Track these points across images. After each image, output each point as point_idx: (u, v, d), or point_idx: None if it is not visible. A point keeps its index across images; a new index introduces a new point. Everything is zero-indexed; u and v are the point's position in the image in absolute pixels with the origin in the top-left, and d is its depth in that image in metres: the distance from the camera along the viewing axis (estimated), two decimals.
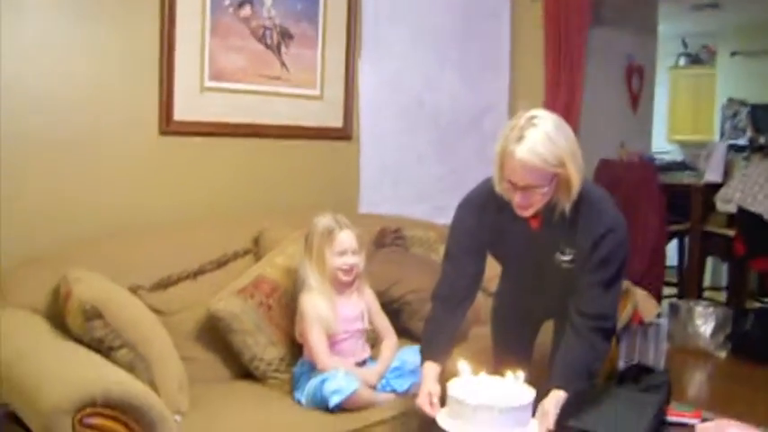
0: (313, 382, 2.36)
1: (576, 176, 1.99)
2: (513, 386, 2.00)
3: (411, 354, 2.47)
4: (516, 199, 2.04)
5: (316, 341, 2.44)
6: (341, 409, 2.29)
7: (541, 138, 1.94)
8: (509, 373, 2.03)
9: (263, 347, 2.53)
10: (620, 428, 2.03)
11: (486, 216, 2.20)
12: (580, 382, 2.12)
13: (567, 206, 2.05)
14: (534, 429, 1.93)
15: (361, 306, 2.60)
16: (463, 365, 2.05)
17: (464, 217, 2.25)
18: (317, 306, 2.46)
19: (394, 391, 2.46)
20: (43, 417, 1.72)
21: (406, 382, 2.46)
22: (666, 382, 2.79)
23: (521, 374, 2.04)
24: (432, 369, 2.20)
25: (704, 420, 2.17)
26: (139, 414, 1.80)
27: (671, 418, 2.25)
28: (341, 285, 2.54)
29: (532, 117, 1.98)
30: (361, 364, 2.54)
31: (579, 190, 2.02)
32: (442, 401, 2.06)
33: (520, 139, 1.94)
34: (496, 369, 2.54)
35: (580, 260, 2.14)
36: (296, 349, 2.57)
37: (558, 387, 2.08)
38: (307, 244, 2.54)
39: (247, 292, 2.57)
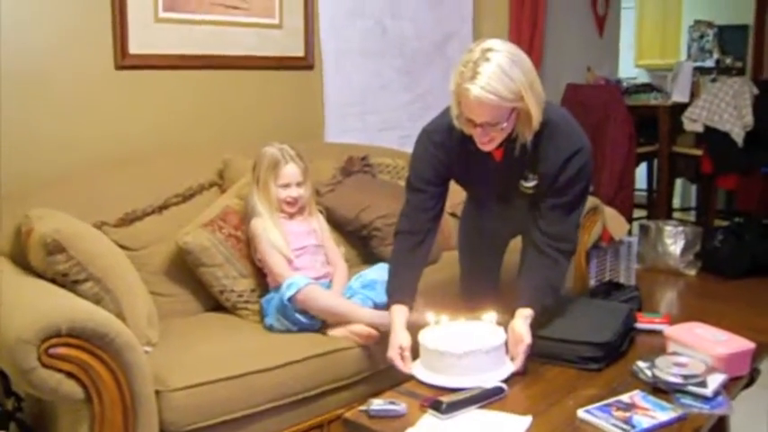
0: (277, 299, 2.37)
1: (536, 108, 1.95)
2: (483, 328, 2.02)
3: (381, 271, 2.47)
4: (477, 136, 2.00)
5: (275, 261, 2.47)
6: (298, 310, 2.32)
7: (496, 73, 1.87)
8: (483, 316, 2.05)
9: (233, 280, 2.52)
10: (590, 334, 2.05)
11: (446, 148, 2.16)
12: (545, 298, 2.12)
13: (529, 137, 2.02)
14: (510, 368, 1.95)
15: (312, 224, 2.64)
16: (430, 317, 2.07)
17: (424, 149, 2.20)
18: (265, 230, 2.49)
19: (375, 305, 2.43)
20: (8, 349, 1.70)
21: (382, 294, 2.40)
22: (637, 296, 2.83)
23: (492, 315, 2.05)
24: (400, 314, 2.17)
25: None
26: (106, 342, 1.78)
27: (641, 325, 2.28)
28: (288, 214, 2.58)
29: (487, 50, 1.90)
30: (320, 279, 2.52)
31: (540, 119, 1.98)
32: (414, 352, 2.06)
33: (474, 75, 1.87)
34: (464, 295, 2.56)
35: (544, 184, 2.12)
36: (265, 280, 2.56)
37: (524, 306, 2.07)
38: (254, 173, 2.58)
39: (215, 225, 2.54)
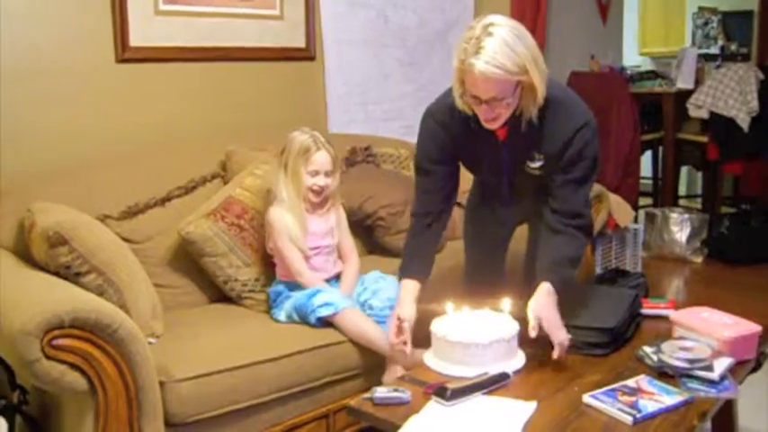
0: (297, 297, 2.35)
1: (540, 82, 1.92)
2: (497, 319, 1.99)
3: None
4: (481, 113, 1.98)
5: (293, 257, 2.44)
6: (323, 323, 2.31)
7: (500, 47, 1.85)
8: (499, 305, 2.03)
9: (237, 269, 2.51)
10: (596, 319, 2.04)
11: (449, 127, 2.14)
12: (564, 270, 2.07)
13: (533, 113, 1.99)
14: (522, 360, 1.93)
15: (330, 222, 2.57)
16: (449, 306, 2.04)
17: (428, 129, 2.20)
18: (284, 219, 2.44)
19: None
20: (11, 342, 1.70)
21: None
22: (643, 282, 2.82)
23: (508, 303, 2.03)
24: (409, 287, 2.19)
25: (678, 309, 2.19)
26: (109, 333, 1.78)
27: (646, 310, 2.27)
28: (311, 204, 2.51)
29: (488, 25, 1.88)
30: (330, 280, 2.52)
31: (544, 93, 1.97)
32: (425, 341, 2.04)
33: (478, 50, 1.85)
34: (470, 285, 2.55)
35: (550, 163, 2.11)
36: (270, 269, 2.56)
37: (542, 280, 2.03)
38: (282, 158, 2.49)
39: (218, 214, 2.53)
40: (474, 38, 1.87)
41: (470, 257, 2.61)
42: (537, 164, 2.13)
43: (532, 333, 1.94)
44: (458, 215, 3.33)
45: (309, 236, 2.48)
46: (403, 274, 2.23)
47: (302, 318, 2.35)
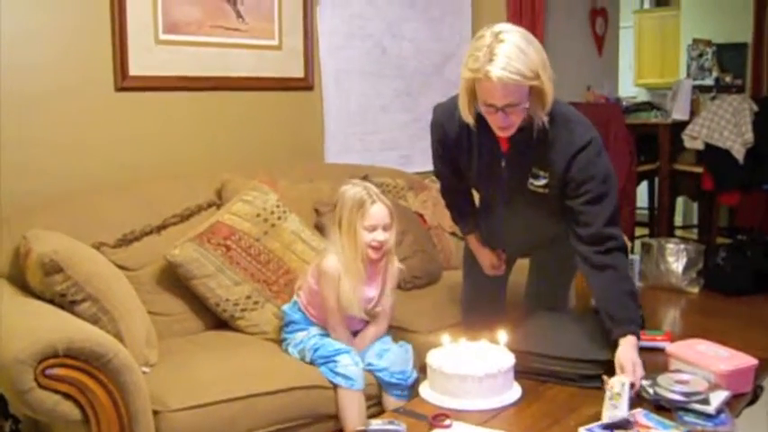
0: (322, 345, 2.31)
1: (549, 86, 1.93)
2: (494, 351, 1.98)
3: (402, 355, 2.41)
4: (496, 121, 1.97)
5: (336, 321, 2.36)
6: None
7: (514, 52, 1.85)
8: (494, 337, 2.02)
9: (227, 288, 2.51)
10: (592, 351, 2.03)
11: (447, 129, 2.17)
12: (633, 312, 2.05)
13: (543, 119, 1.98)
14: (517, 393, 1.92)
15: (380, 287, 2.43)
16: (445, 338, 2.03)
17: (434, 127, 2.26)
18: (339, 277, 2.31)
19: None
20: (4, 370, 1.69)
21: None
22: (640, 314, 2.81)
23: (502, 336, 2.01)
24: (475, 240, 2.46)
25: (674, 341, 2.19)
26: (103, 362, 1.77)
27: (643, 343, 2.25)
28: (369, 262, 2.35)
29: (498, 33, 1.88)
30: (356, 332, 2.45)
31: (552, 98, 1.96)
32: None
33: (492, 58, 1.85)
34: (467, 315, 2.54)
35: (556, 182, 2.08)
36: (261, 286, 2.55)
37: (624, 333, 1.98)
38: (335, 216, 2.35)
39: (204, 237, 2.54)
40: (485, 46, 1.87)
41: (467, 289, 2.60)
42: (541, 182, 2.11)
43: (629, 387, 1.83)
44: (453, 244, 3.34)
45: (357, 302, 2.36)
46: (464, 231, 2.50)
47: (313, 361, 2.31)
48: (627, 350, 1.96)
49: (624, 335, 1.99)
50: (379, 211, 2.30)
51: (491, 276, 2.49)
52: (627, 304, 2.05)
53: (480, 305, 2.53)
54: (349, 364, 2.26)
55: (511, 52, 1.85)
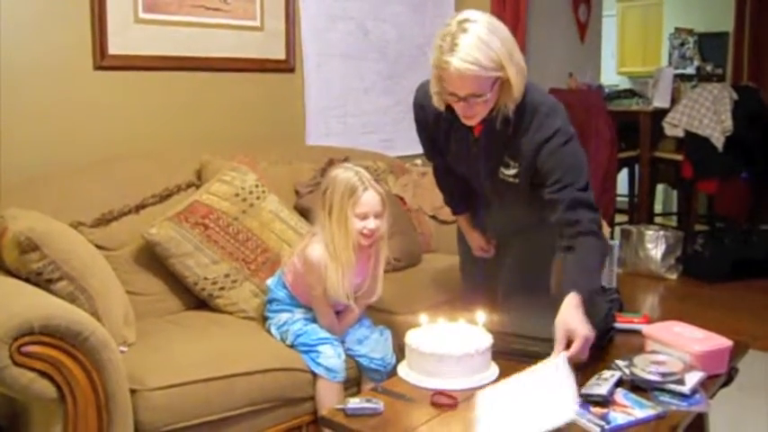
0: (306, 332, 2.30)
1: (517, 77, 1.93)
2: (471, 332, 1.98)
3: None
4: (460, 109, 1.99)
5: (324, 311, 2.34)
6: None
7: (475, 43, 1.85)
8: (472, 317, 2.01)
9: (205, 267, 2.50)
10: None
11: (426, 111, 2.18)
12: (588, 282, 1.99)
13: (511, 108, 1.99)
14: (495, 373, 1.92)
15: (369, 272, 2.38)
16: (423, 318, 2.02)
17: (415, 107, 2.27)
18: (325, 267, 2.25)
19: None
20: None
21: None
22: (617, 298, 2.83)
23: (480, 317, 2.00)
24: (464, 221, 2.49)
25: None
26: (80, 340, 1.76)
27: (620, 325, 2.28)
28: (358, 249, 2.29)
29: (463, 21, 1.88)
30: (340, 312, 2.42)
31: (523, 92, 1.97)
32: None
33: (453, 48, 1.85)
34: (463, 298, 2.54)
35: (524, 172, 2.10)
36: (240, 265, 2.54)
37: (564, 296, 1.94)
38: (325, 202, 2.25)
39: (181, 216, 2.53)
40: (449, 34, 1.88)
41: (462, 263, 2.63)
42: (511, 171, 2.13)
43: (562, 354, 1.86)
44: (433, 227, 3.35)
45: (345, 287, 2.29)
46: (454, 212, 2.53)
47: (294, 346, 2.29)
48: (562, 315, 1.90)
49: (564, 297, 1.94)
50: (371, 199, 2.23)
51: (479, 260, 2.52)
52: (581, 273, 2.00)
53: (474, 285, 2.54)
54: (332, 356, 2.26)
55: (472, 43, 1.85)
